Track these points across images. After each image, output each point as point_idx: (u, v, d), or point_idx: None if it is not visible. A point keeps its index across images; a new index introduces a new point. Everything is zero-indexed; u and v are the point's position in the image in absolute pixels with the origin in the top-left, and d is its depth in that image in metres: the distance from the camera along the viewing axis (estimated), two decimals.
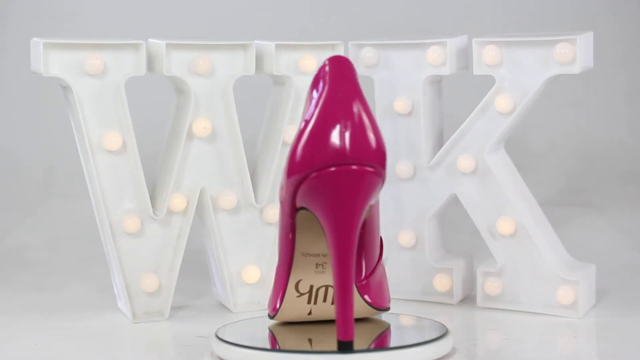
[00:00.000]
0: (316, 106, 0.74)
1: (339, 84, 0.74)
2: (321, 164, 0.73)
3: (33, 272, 1.13)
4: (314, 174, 0.73)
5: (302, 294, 0.82)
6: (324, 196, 0.73)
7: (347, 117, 0.73)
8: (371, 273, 0.81)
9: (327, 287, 0.81)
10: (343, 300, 0.74)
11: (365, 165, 0.73)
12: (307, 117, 0.74)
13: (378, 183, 0.74)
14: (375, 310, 0.82)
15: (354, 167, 0.73)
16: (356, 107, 0.74)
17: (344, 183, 0.73)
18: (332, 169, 0.73)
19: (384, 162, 0.74)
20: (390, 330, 0.82)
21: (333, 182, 0.73)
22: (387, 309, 0.84)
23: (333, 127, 0.73)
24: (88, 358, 0.85)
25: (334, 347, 0.76)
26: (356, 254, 0.80)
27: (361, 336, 0.79)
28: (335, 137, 0.73)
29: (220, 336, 0.79)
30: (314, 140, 0.73)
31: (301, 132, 0.74)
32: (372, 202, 0.75)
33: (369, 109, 0.74)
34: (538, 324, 0.93)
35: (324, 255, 0.80)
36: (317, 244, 0.79)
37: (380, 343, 0.78)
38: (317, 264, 0.80)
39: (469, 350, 0.86)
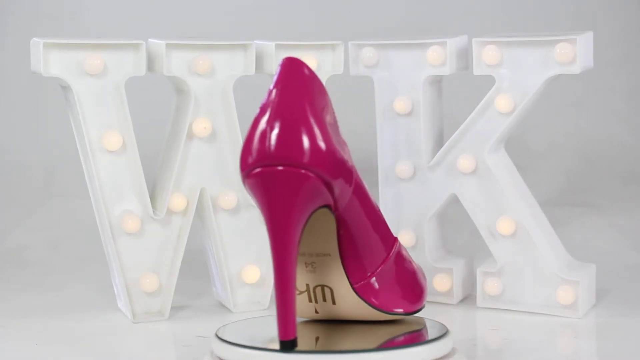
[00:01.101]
0: (260, 108, 0.75)
1: (282, 86, 0.74)
2: (251, 164, 0.73)
3: (33, 272, 1.13)
4: (249, 174, 0.74)
5: (301, 292, 0.82)
6: (257, 197, 0.74)
7: (282, 119, 0.73)
8: (372, 274, 0.81)
9: (322, 286, 0.81)
10: (281, 300, 0.74)
11: (291, 166, 0.73)
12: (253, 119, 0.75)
13: (308, 185, 0.73)
14: (386, 314, 0.81)
15: (277, 168, 0.73)
16: (293, 110, 0.74)
17: (266, 184, 0.73)
18: (258, 169, 0.73)
19: (319, 164, 0.73)
20: (416, 333, 0.81)
21: (258, 183, 0.73)
22: (409, 312, 0.82)
23: (264, 128, 0.73)
24: (88, 358, 0.85)
25: (338, 346, 0.77)
26: (346, 256, 0.79)
27: (372, 337, 0.79)
28: (263, 138, 0.73)
29: (220, 336, 0.79)
30: (250, 141, 0.74)
31: (247, 133, 0.75)
32: (312, 205, 0.74)
33: (316, 111, 0.74)
34: (538, 324, 0.93)
35: (310, 255, 0.80)
36: (309, 243, 0.79)
37: (389, 344, 0.78)
38: (305, 263, 0.80)
39: (469, 350, 0.86)
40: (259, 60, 0.97)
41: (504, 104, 0.95)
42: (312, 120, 0.74)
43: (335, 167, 0.74)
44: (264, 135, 0.73)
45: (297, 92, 0.74)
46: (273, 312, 0.95)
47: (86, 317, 0.96)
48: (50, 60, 0.91)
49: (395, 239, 0.83)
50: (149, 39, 0.95)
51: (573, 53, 0.92)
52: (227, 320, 0.87)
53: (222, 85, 0.96)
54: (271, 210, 0.73)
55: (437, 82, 1.00)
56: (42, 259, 1.18)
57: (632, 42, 1.46)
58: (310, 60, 0.97)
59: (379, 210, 0.81)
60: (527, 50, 0.94)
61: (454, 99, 1.17)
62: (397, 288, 0.82)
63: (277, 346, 0.78)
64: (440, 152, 0.98)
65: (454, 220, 1.14)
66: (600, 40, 1.05)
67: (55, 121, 1.38)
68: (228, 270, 0.97)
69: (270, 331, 0.82)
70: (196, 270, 1.07)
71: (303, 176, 0.73)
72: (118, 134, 0.93)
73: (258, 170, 0.73)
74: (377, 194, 1.00)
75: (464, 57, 0.99)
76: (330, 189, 0.74)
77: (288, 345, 0.74)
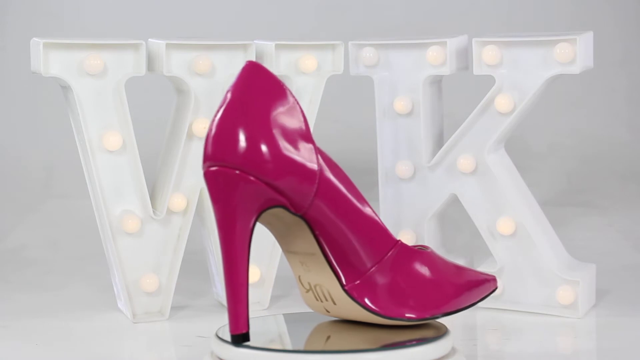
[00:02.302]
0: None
1: (233, 89, 0.75)
2: (203, 163, 0.75)
3: (33, 271, 1.13)
4: (204, 172, 0.75)
5: (307, 290, 0.81)
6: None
7: (228, 121, 0.74)
8: (365, 275, 0.79)
9: (320, 285, 0.81)
10: (230, 295, 0.75)
11: (226, 166, 0.74)
12: None
13: (246, 185, 0.74)
14: (385, 319, 0.80)
15: (213, 167, 0.74)
16: (241, 113, 0.75)
17: (210, 183, 0.75)
18: (210, 168, 0.74)
19: (254, 165, 0.74)
20: (418, 333, 0.80)
21: (205, 181, 0.75)
22: (415, 319, 0.79)
23: (211, 129, 0.75)
24: (88, 358, 0.85)
25: (347, 346, 0.76)
26: (333, 256, 0.79)
27: (377, 337, 0.79)
28: (209, 139, 0.74)
29: (220, 336, 0.79)
30: (205, 141, 0.75)
31: None
32: (255, 205, 0.75)
33: (265, 114, 0.75)
34: (538, 324, 0.93)
35: (299, 254, 0.80)
36: (295, 243, 0.79)
37: (389, 344, 0.78)
38: (300, 262, 0.80)
39: (469, 350, 0.86)
40: (259, 60, 0.97)
41: (504, 104, 0.95)
42: (255, 123, 0.75)
43: (278, 168, 0.74)
44: (211, 136, 0.75)
45: (246, 95, 0.75)
46: (273, 312, 0.96)
47: (86, 317, 0.96)
48: (50, 60, 0.91)
49: (397, 242, 0.81)
50: (149, 39, 0.95)
51: (573, 53, 0.92)
52: (227, 320, 0.87)
53: (222, 85, 0.96)
54: (215, 208, 0.75)
55: (437, 82, 1.00)
56: (42, 259, 1.18)
57: (632, 42, 1.46)
58: (310, 60, 0.97)
59: (371, 210, 0.80)
60: (527, 50, 0.94)
61: (454, 99, 1.17)
62: (401, 292, 0.80)
63: (277, 346, 0.78)
64: (440, 152, 0.99)
65: (454, 220, 1.14)
66: (600, 40, 1.05)
67: (55, 121, 1.38)
68: None
69: (270, 331, 0.82)
70: (196, 270, 1.07)
71: (238, 177, 0.74)
72: (118, 134, 0.93)
73: (208, 169, 0.75)
74: (377, 194, 1.00)
75: (464, 57, 0.99)
76: (276, 189, 0.75)
77: (238, 339, 0.76)
